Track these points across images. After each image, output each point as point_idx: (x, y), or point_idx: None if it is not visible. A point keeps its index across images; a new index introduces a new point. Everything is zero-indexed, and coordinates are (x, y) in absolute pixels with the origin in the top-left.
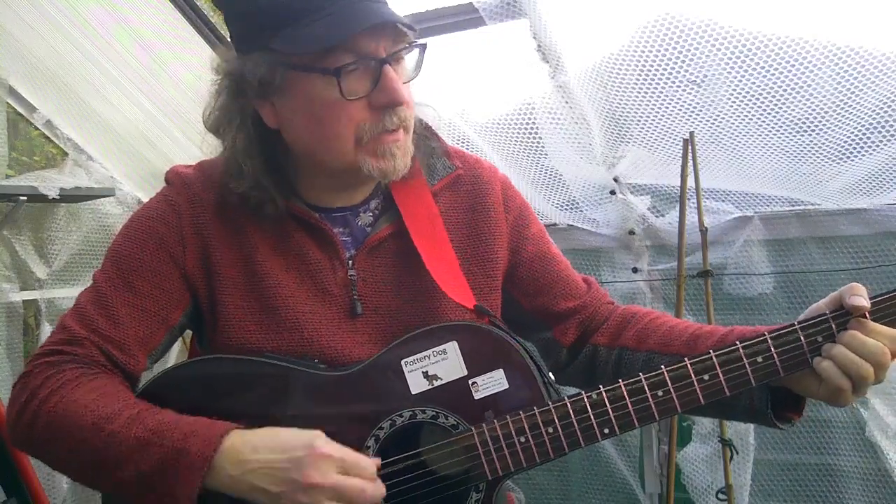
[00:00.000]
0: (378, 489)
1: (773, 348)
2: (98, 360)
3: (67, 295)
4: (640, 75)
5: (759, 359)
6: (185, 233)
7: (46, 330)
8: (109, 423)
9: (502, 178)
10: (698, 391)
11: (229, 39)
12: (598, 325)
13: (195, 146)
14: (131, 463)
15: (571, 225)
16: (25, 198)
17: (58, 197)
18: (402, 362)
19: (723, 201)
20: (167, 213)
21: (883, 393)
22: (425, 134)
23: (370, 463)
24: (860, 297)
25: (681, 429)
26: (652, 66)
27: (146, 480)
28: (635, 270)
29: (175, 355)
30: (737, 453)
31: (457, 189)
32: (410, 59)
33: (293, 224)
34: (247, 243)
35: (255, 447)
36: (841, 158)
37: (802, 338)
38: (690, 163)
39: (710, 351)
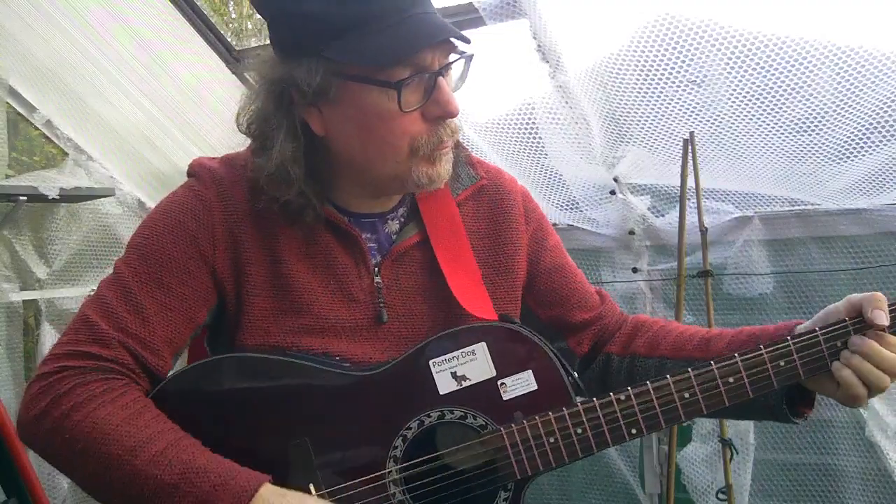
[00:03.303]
0: None
1: (795, 353)
2: (126, 362)
3: (67, 295)
4: (640, 75)
5: (782, 363)
6: (216, 230)
7: (46, 330)
8: (134, 456)
9: (522, 190)
10: (723, 393)
11: (271, 43)
12: (610, 336)
13: (195, 146)
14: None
15: (571, 225)
16: (25, 198)
17: (58, 197)
18: (431, 362)
19: (723, 201)
20: (197, 209)
21: (883, 393)
22: None
23: None
24: (882, 313)
25: (681, 429)
26: (652, 66)
27: None
28: (635, 270)
29: None
30: (737, 453)
31: (480, 199)
32: (456, 68)
33: (323, 228)
34: (275, 244)
35: None
36: (841, 158)
37: (823, 344)
38: (690, 163)
39: (736, 355)
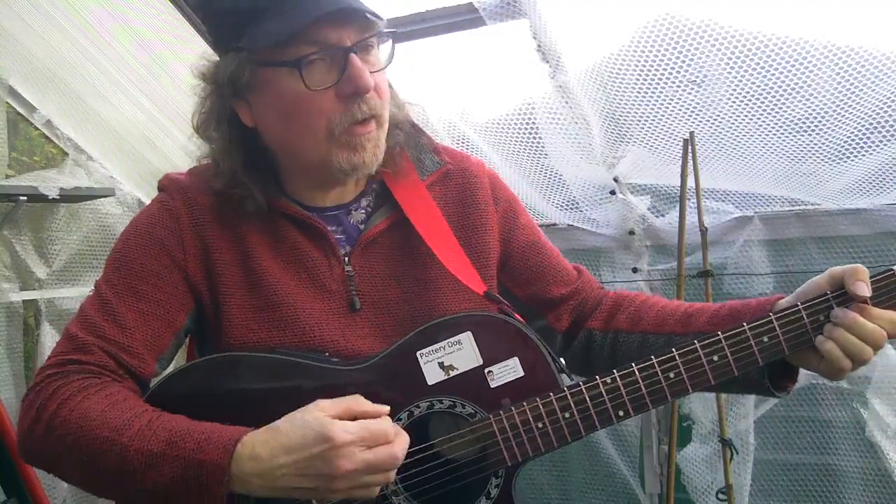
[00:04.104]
0: (403, 442)
1: (778, 328)
2: (107, 365)
3: (67, 295)
4: (640, 75)
5: (766, 338)
6: (185, 236)
7: (46, 330)
8: (121, 434)
9: (490, 173)
10: (708, 372)
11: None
12: (591, 311)
13: (195, 146)
14: (148, 476)
15: (571, 225)
16: (25, 198)
17: (58, 197)
18: (418, 354)
19: (723, 201)
20: (165, 218)
21: (883, 393)
22: (412, 131)
23: (384, 421)
24: (863, 285)
25: (681, 429)
26: (652, 66)
27: (166, 493)
28: (635, 270)
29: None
30: (737, 453)
31: (446, 183)
32: (386, 49)
33: (287, 223)
34: (245, 243)
35: (272, 452)
36: (841, 158)
37: (806, 318)
38: (690, 163)
39: (719, 333)
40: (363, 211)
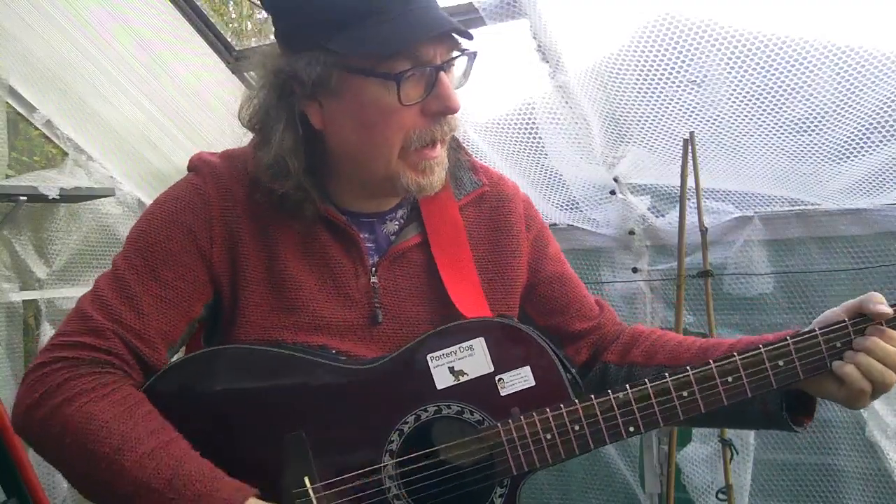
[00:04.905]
0: None
1: (794, 352)
2: (120, 352)
3: (67, 295)
4: (640, 75)
5: (781, 362)
6: (214, 225)
7: (46, 330)
8: (121, 455)
9: (524, 198)
10: (722, 392)
11: (274, 36)
12: (608, 344)
13: (195, 146)
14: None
15: (571, 225)
16: (25, 198)
17: (58, 197)
18: (429, 357)
19: (723, 201)
20: (196, 203)
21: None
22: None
23: None
24: (883, 305)
25: (681, 429)
26: (652, 66)
27: None
28: (635, 270)
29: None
30: (737, 453)
31: (481, 205)
32: (458, 65)
33: (321, 226)
34: (273, 241)
35: None
36: (841, 158)
37: (822, 343)
38: (690, 163)
39: (735, 354)
40: (397, 222)
